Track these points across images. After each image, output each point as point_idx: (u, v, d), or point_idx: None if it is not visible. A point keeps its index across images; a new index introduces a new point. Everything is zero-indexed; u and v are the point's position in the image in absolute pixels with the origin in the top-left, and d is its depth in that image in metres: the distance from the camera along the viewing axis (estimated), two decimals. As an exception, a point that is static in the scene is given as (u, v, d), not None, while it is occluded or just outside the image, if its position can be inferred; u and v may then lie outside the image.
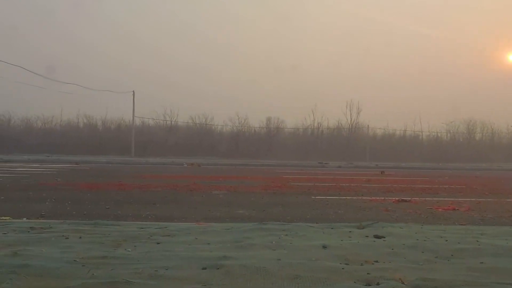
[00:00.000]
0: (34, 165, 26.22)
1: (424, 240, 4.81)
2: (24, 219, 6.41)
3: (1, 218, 7.02)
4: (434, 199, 11.13)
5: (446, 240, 4.85)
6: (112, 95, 72.41)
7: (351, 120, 55.66)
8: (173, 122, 57.96)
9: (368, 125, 55.39)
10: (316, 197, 11.24)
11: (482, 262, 3.87)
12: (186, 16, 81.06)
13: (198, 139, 55.84)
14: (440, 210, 8.88)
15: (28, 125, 60.12)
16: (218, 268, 3.43)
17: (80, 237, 4.68)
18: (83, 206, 8.60)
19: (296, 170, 27.47)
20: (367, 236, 5.04)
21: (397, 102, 70.08)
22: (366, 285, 3.18)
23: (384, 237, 4.97)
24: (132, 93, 54.55)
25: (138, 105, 63.93)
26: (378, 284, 3.20)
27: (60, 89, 66.05)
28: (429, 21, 73.34)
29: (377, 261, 3.86)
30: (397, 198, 10.65)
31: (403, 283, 3.20)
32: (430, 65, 73.61)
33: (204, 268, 3.45)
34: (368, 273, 3.44)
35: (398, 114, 76.40)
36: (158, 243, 4.47)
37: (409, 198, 10.66)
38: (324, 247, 4.32)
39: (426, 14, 77.16)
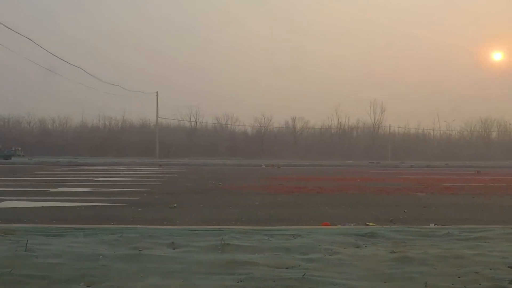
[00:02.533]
0: (121, 167, 25.76)
1: None
2: (434, 224, 6.52)
3: (367, 224, 7.09)
4: None
5: None
6: (128, 96, 71.96)
7: (374, 120, 56.56)
8: (198, 123, 57.63)
9: (390, 125, 56.40)
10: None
11: None
12: (198, 20, 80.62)
13: (222, 140, 55.69)
14: None
15: (44, 127, 58.90)
16: None
17: None
18: (385, 212, 8.76)
19: (380, 170, 27.72)
20: None
21: (415, 101, 71.46)
22: None
23: None
24: (156, 94, 54.00)
25: (151, 106, 63.63)
26: None
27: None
28: (440, 28, 75.09)
29: None
30: None
31: None
32: (444, 68, 75.09)
33: None
34: None
35: (416, 113, 77.85)
36: None
37: None
38: None
39: (437, 21, 78.71)
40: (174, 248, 4.85)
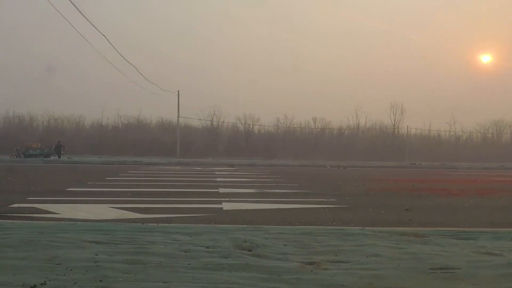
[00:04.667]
0: (196, 168, 25.55)
1: None
2: None
3: None
4: None
5: None
6: (145, 95, 71.44)
7: (394, 121, 57.36)
8: (219, 123, 57.45)
9: (407, 126, 57.28)
10: None
11: None
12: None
13: (244, 140, 55.65)
14: None
15: (59, 125, 57.86)
16: None
17: None
18: None
19: (448, 172, 28.00)
20: None
21: (431, 102, 72.46)
22: None
23: None
24: (177, 93, 53.57)
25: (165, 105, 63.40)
26: None
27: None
28: (445, 30, 76.33)
29: None
30: None
31: None
32: (459, 69, 76.27)
33: None
34: None
35: (432, 114, 78.85)
36: None
37: None
38: None
39: (444, 23, 79.85)
40: None
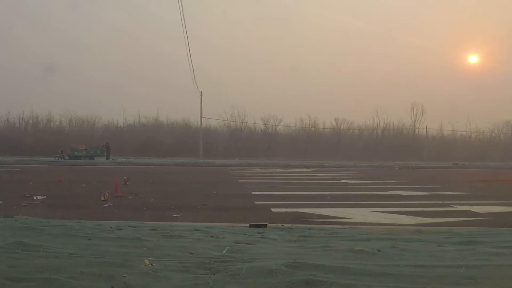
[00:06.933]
0: (279, 169, 25.34)
1: None
2: None
3: None
4: None
5: None
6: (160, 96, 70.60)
7: (415, 122, 58.26)
8: (243, 124, 57.21)
9: (426, 126, 58.18)
10: None
11: None
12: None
13: (267, 141, 55.53)
14: None
15: (75, 126, 56.80)
16: None
17: None
18: None
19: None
20: None
21: (443, 102, 73.48)
22: None
23: None
24: (200, 93, 53.14)
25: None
26: None
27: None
28: (462, 34, 77.50)
29: None
30: None
31: None
32: (469, 70, 77.44)
33: None
34: None
35: (445, 114, 79.91)
36: None
37: None
38: None
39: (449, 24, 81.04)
40: None
